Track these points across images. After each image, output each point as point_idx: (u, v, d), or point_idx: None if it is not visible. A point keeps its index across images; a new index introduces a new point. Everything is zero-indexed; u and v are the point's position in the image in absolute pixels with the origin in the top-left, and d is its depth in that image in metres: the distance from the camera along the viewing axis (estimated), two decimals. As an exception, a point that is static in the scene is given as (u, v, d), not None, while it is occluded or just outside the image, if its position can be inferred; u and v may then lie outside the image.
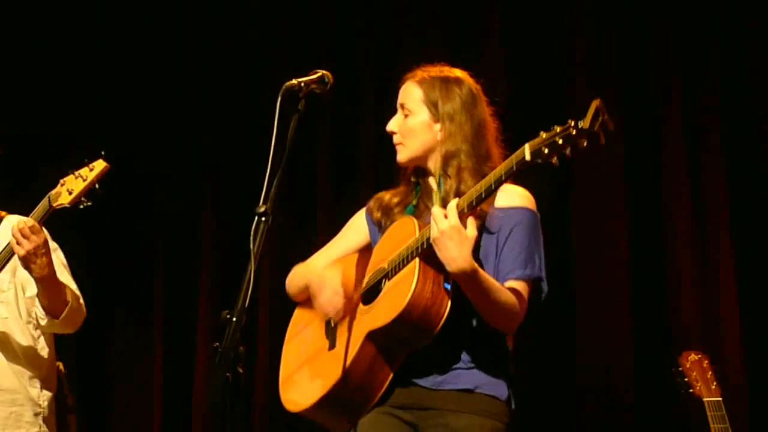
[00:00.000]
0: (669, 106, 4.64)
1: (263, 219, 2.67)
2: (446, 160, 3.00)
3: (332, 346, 3.03)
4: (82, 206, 3.31)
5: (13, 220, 3.59)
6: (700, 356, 3.79)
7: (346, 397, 2.94)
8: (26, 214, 3.47)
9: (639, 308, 4.56)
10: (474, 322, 2.92)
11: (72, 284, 3.60)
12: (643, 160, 4.65)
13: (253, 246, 2.64)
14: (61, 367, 4.66)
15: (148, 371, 5.60)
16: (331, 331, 3.06)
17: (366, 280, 3.04)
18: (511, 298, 2.86)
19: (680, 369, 3.77)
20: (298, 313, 3.27)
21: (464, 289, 2.82)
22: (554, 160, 2.59)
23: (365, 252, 3.18)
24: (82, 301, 3.62)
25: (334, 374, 2.93)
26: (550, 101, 4.67)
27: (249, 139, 5.20)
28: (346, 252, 3.23)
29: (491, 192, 2.74)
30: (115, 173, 3.33)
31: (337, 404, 2.96)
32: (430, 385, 2.92)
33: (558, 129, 2.59)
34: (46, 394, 3.64)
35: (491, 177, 2.73)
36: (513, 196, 2.96)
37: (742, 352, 4.35)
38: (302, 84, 2.86)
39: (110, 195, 3.35)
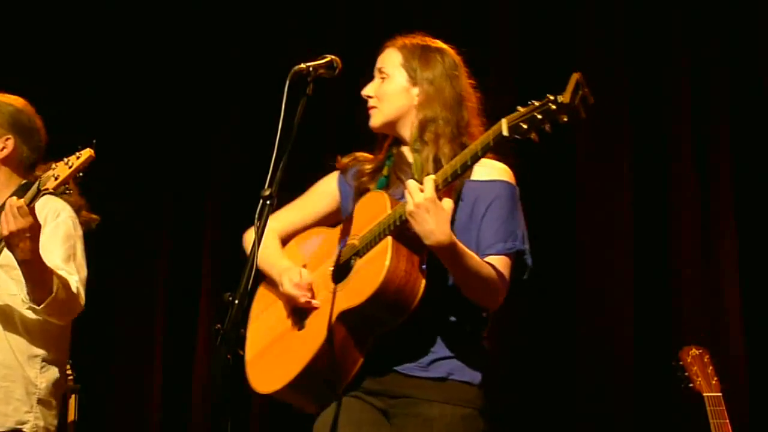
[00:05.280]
0: (677, 96, 4.62)
1: (268, 202, 2.66)
2: (423, 125, 2.94)
3: (301, 326, 2.94)
4: (67, 192, 3.23)
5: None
6: (700, 351, 3.78)
7: (318, 378, 2.86)
8: None
9: (641, 302, 4.54)
10: (448, 306, 2.86)
11: (71, 271, 3.41)
12: (649, 151, 4.63)
13: (258, 229, 2.64)
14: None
15: (149, 353, 5.61)
16: (299, 311, 2.97)
17: (335, 256, 2.96)
18: (491, 272, 2.80)
19: (681, 363, 3.76)
20: (262, 291, 3.14)
21: (444, 262, 2.76)
22: (533, 135, 2.53)
23: (330, 221, 3.12)
24: (78, 291, 3.42)
25: (305, 355, 2.84)
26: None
27: (253, 126, 5.24)
28: (310, 217, 3.15)
29: (467, 167, 2.70)
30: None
31: (308, 385, 2.89)
32: (403, 370, 2.85)
33: (536, 104, 2.53)
34: (47, 376, 3.55)
35: (467, 153, 2.68)
36: (491, 170, 2.92)
37: (745, 348, 4.34)
38: (310, 68, 2.85)
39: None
